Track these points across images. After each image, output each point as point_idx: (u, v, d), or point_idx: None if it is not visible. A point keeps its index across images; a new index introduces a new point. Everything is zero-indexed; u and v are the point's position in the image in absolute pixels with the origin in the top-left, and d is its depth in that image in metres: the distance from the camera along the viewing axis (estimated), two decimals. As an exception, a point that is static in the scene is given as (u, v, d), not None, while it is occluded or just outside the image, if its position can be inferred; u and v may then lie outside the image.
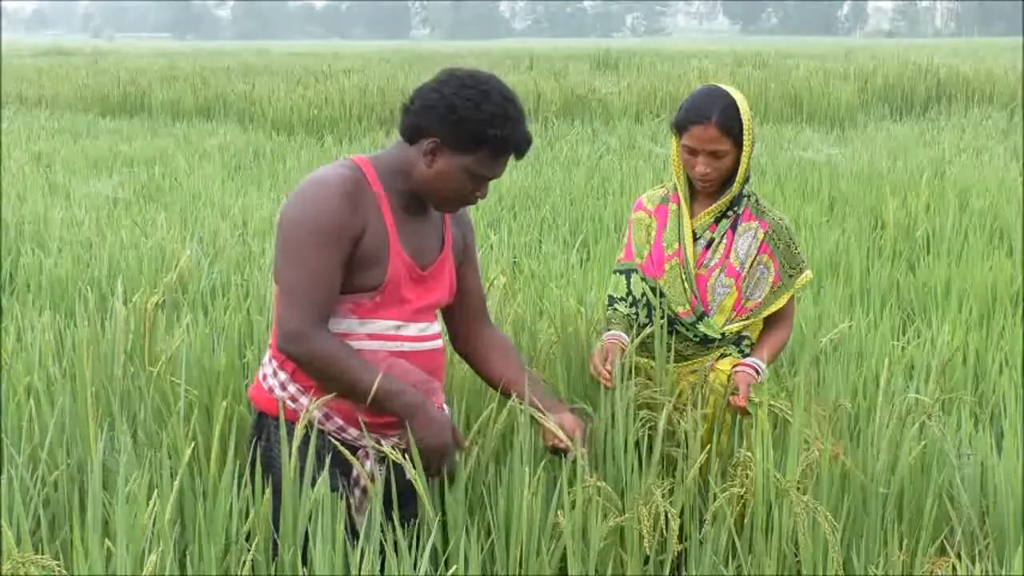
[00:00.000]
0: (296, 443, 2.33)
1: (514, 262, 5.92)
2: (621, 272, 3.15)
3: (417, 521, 2.47)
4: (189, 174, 9.96)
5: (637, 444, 2.73)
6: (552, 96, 15.74)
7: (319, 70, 22.00)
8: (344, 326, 2.47)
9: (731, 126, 2.95)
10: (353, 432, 2.51)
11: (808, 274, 3.15)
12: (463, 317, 2.75)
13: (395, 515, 2.37)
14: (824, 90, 15.75)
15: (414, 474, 2.38)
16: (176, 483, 2.29)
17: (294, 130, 13.90)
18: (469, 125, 2.41)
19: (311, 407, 2.43)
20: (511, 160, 2.53)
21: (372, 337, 2.49)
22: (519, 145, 2.48)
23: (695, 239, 3.06)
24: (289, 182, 9.41)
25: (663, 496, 2.50)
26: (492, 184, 2.58)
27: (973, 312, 4.92)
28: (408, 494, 2.49)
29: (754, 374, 2.95)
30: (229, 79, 19.79)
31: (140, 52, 46.75)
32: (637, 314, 3.10)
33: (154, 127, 15.06)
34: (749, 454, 2.60)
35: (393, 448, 2.46)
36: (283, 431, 2.34)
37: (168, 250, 5.84)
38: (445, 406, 2.67)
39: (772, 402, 2.77)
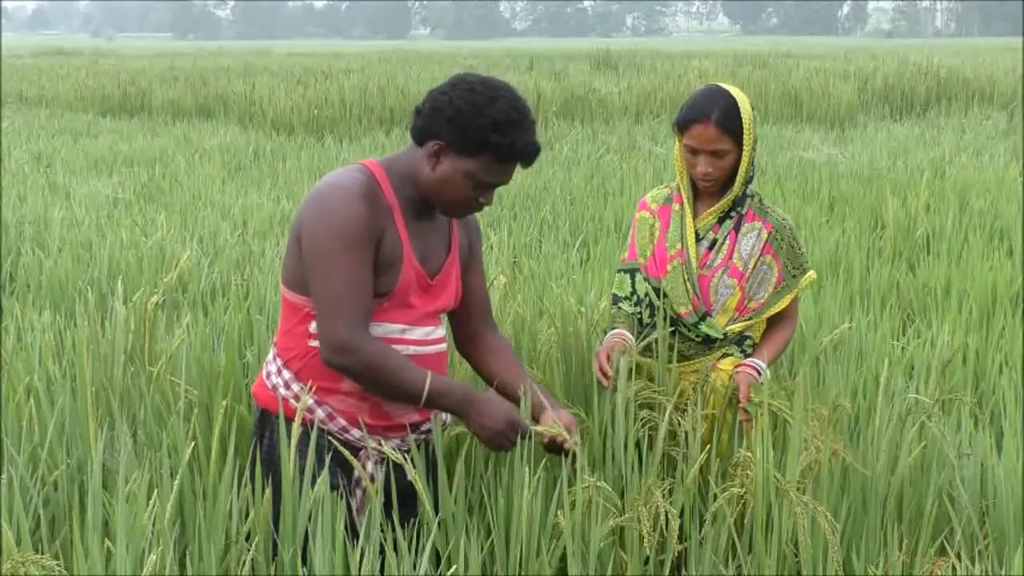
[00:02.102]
0: (295, 441, 2.33)
1: (514, 262, 5.92)
2: (625, 271, 3.15)
3: (417, 521, 2.47)
4: (189, 174, 9.95)
5: (637, 444, 2.73)
6: (552, 96, 15.74)
7: (319, 70, 22.01)
8: None
9: (731, 125, 2.94)
10: (356, 433, 2.52)
11: (811, 274, 3.15)
12: (466, 319, 2.75)
13: (395, 515, 2.37)
14: (824, 90, 15.76)
15: (414, 475, 2.38)
16: (176, 483, 2.29)
17: (294, 130, 13.90)
18: (472, 129, 2.41)
19: (305, 396, 2.45)
20: (519, 167, 2.52)
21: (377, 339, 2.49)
22: (523, 153, 2.47)
23: (698, 240, 3.06)
24: (289, 182, 9.41)
25: (663, 496, 2.50)
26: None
27: (973, 312, 4.92)
28: (409, 494, 2.50)
29: (755, 375, 2.95)
30: (229, 79, 19.79)
31: (140, 52, 46.75)
32: (641, 313, 3.10)
33: (154, 127, 15.06)
34: (749, 454, 2.60)
35: (395, 449, 2.46)
36: (282, 430, 2.33)
37: (168, 250, 5.84)
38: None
39: (771, 402, 2.77)
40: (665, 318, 3.01)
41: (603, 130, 13.46)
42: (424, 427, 2.60)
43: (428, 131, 2.47)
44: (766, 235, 3.05)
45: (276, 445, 2.51)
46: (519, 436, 2.48)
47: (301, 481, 2.33)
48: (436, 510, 2.47)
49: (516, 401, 2.61)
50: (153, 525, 2.22)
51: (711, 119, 2.93)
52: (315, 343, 2.49)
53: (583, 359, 3.17)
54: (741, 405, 2.88)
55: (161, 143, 12.65)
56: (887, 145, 11.79)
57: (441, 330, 2.63)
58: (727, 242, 3.04)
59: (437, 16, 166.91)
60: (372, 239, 2.41)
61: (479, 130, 2.42)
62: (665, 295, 3.04)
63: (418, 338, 2.54)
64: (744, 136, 2.96)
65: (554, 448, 2.59)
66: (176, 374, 3.15)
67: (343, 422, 2.52)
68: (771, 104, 15.42)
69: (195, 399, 3.11)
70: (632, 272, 3.13)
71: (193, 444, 2.57)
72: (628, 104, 15.65)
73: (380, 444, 2.49)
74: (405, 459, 2.41)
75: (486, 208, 2.59)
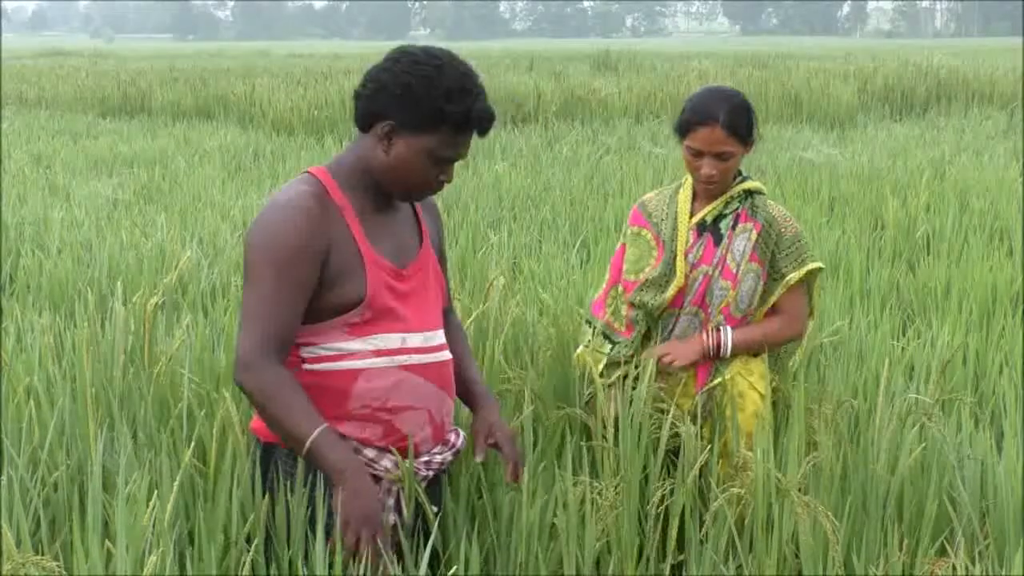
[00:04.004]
0: (302, 470, 2.30)
1: (514, 262, 5.92)
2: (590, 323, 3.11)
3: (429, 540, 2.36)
4: (189, 175, 9.95)
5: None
6: (552, 96, 15.73)
7: (319, 71, 22.01)
8: (347, 347, 2.35)
9: (738, 127, 2.90)
10: (369, 453, 2.37)
11: (812, 266, 3.04)
12: None
13: (401, 533, 2.34)
14: (824, 90, 15.76)
15: (427, 505, 2.36)
16: (176, 483, 2.29)
17: (294, 130, 13.90)
18: (425, 103, 2.27)
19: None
20: (478, 141, 2.40)
21: (378, 353, 2.36)
22: (480, 120, 2.32)
23: (704, 229, 3.00)
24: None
25: (663, 496, 2.51)
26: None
27: (973, 312, 4.91)
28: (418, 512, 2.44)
29: (713, 342, 2.94)
30: (229, 80, 19.79)
31: (140, 53, 46.76)
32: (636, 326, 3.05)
33: (154, 128, 15.06)
34: (749, 454, 2.60)
35: (426, 465, 2.42)
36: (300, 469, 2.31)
37: (168, 251, 5.84)
38: (458, 431, 2.55)
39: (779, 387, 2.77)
40: (659, 317, 2.99)
41: (603, 130, 13.45)
42: (437, 458, 2.47)
43: (374, 113, 2.32)
44: (755, 237, 2.99)
45: (285, 477, 2.36)
46: (373, 537, 2.23)
47: (311, 507, 2.29)
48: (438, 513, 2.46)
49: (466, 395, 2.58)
50: (153, 526, 2.22)
51: (718, 121, 2.88)
52: (311, 367, 2.36)
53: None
54: (666, 362, 2.90)
55: (161, 144, 12.65)
56: (887, 145, 11.78)
57: (442, 335, 2.49)
58: (725, 240, 3.00)
59: (437, 16, 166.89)
60: (308, 259, 2.28)
61: (431, 102, 2.27)
62: (654, 286, 2.99)
63: (419, 344, 2.41)
64: (750, 137, 2.93)
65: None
66: (177, 375, 3.15)
67: (354, 443, 2.37)
68: (771, 104, 15.41)
69: (200, 395, 3.09)
70: (605, 334, 3.08)
71: (193, 445, 2.57)
72: (628, 104, 15.64)
73: (396, 466, 2.38)
74: (419, 487, 2.37)
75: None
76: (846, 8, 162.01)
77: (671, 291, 2.98)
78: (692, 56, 32.44)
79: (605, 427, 2.70)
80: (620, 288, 3.08)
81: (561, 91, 16.14)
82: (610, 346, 3.06)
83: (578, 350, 3.13)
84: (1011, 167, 9.37)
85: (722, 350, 2.95)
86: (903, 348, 4.19)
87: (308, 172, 2.40)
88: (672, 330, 3.02)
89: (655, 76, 19.57)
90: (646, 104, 15.80)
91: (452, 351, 2.55)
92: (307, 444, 2.24)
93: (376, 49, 55.52)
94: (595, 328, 3.09)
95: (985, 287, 5.19)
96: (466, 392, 2.59)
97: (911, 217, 6.91)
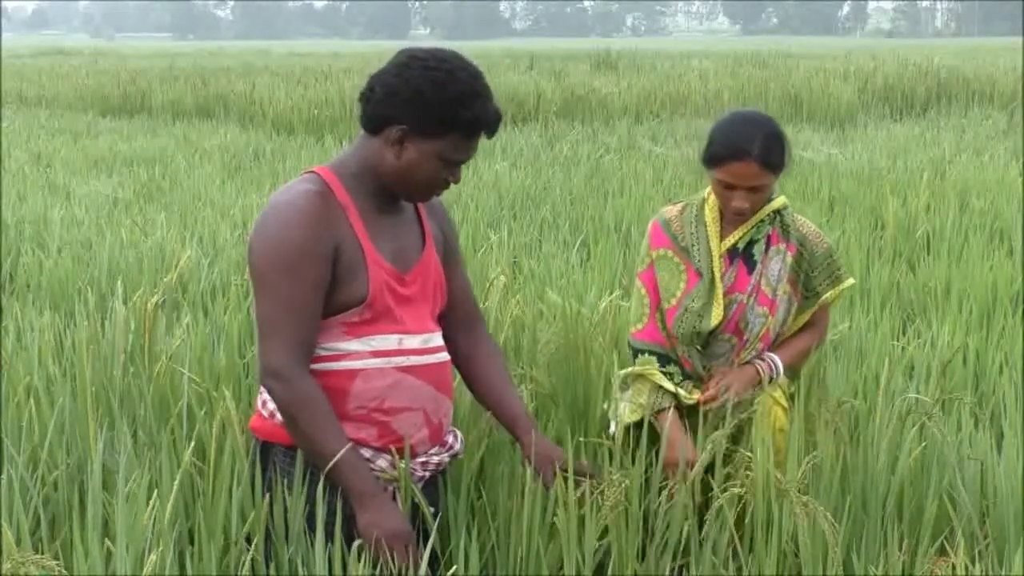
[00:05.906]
0: (300, 471, 2.30)
1: (514, 262, 5.92)
2: (650, 353, 2.91)
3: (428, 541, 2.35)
4: (189, 174, 9.95)
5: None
6: (552, 96, 15.74)
7: (319, 70, 22.00)
8: (345, 347, 2.34)
9: (773, 160, 2.77)
10: (366, 453, 2.36)
11: (847, 283, 2.99)
12: (453, 323, 2.55)
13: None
14: (824, 90, 15.77)
15: (423, 503, 2.36)
16: (176, 482, 2.29)
17: (294, 130, 13.91)
18: (438, 108, 2.28)
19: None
20: (479, 140, 2.38)
21: (376, 354, 2.35)
22: (490, 123, 2.34)
23: (735, 255, 2.90)
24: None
25: (665, 498, 2.51)
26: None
27: (973, 312, 4.91)
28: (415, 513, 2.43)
29: (767, 372, 2.87)
30: (229, 79, 19.79)
31: (140, 52, 46.77)
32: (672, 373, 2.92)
33: (154, 127, 15.07)
34: (749, 454, 2.60)
35: (422, 466, 2.42)
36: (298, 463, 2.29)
37: (168, 250, 5.84)
38: (456, 431, 2.55)
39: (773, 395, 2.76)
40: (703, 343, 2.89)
41: (603, 130, 13.45)
42: (434, 459, 2.47)
43: (385, 117, 2.31)
44: (790, 260, 2.90)
45: (283, 475, 2.36)
46: (406, 549, 2.26)
47: (310, 505, 2.29)
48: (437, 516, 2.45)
49: (509, 426, 2.54)
50: (153, 525, 2.22)
51: (752, 156, 2.74)
52: (310, 367, 2.33)
53: (583, 361, 3.16)
54: (710, 392, 2.82)
55: (161, 143, 12.65)
56: (887, 145, 11.78)
57: (440, 337, 2.48)
58: (759, 266, 2.90)
59: (437, 16, 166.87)
60: (318, 260, 2.27)
61: (445, 107, 2.28)
62: (693, 314, 2.87)
63: (416, 346, 2.39)
64: (783, 166, 2.81)
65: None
66: (176, 375, 3.15)
67: (367, 452, 2.36)
68: (771, 104, 15.41)
69: (201, 393, 3.09)
70: (661, 356, 2.90)
71: (193, 444, 2.57)
72: (628, 104, 15.65)
73: (392, 466, 2.37)
74: (415, 487, 2.37)
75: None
76: (846, 8, 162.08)
77: (713, 322, 2.86)
78: (692, 55, 32.43)
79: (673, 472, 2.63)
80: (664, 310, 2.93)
81: (561, 90, 16.16)
82: (677, 368, 2.91)
83: (627, 371, 2.95)
84: (1011, 167, 9.36)
85: (775, 378, 2.89)
86: (903, 348, 4.19)
87: (312, 171, 2.39)
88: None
89: (655, 75, 19.57)
90: (646, 103, 15.81)
91: (490, 379, 2.55)
92: (330, 462, 2.25)
93: (376, 48, 55.48)
94: (659, 355, 2.91)
95: (985, 287, 5.19)
96: (511, 424, 2.55)
97: (911, 217, 6.92)
